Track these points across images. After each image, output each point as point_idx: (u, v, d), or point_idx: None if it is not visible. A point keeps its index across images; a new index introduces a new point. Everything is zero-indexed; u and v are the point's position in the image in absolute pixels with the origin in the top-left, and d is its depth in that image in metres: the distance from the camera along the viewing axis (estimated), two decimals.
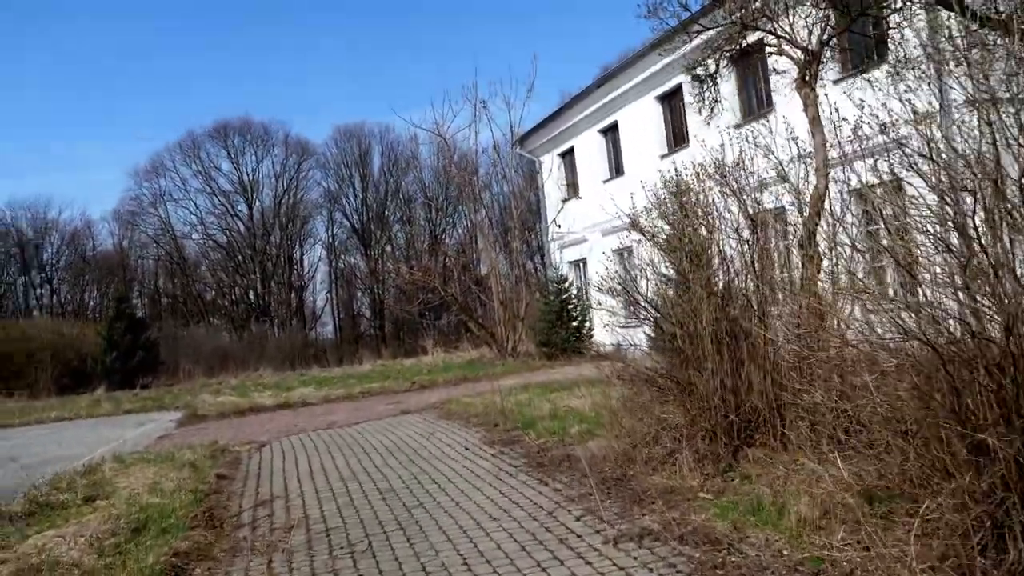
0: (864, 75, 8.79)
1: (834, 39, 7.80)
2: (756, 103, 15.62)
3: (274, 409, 13.72)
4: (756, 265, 6.82)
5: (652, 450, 6.60)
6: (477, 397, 11.78)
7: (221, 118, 57.69)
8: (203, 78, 73.78)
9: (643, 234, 8.17)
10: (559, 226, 22.46)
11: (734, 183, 7.08)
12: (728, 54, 8.49)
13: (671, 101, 17.97)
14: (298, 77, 75.10)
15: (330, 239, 52.83)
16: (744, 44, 8.11)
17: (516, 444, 7.92)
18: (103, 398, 19.52)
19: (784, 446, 6.40)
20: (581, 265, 21.94)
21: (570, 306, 18.60)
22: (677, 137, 17.80)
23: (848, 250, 6.61)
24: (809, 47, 7.17)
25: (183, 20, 73.38)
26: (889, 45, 8.35)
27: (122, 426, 12.48)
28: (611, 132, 20.31)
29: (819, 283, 6.86)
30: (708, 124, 10.28)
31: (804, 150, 7.22)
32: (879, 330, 5.00)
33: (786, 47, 7.39)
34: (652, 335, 14.18)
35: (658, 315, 7.14)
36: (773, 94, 15.20)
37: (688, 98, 16.84)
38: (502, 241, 22.51)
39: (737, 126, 15.58)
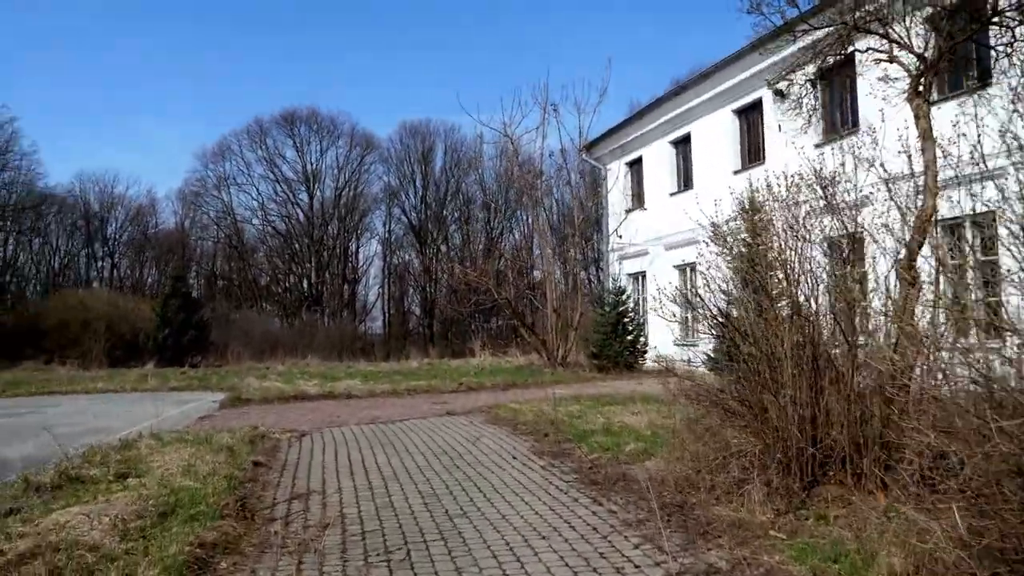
0: (977, 92, 8.14)
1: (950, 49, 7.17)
2: (841, 121, 14.87)
3: (318, 398, 13.53)
4: (849, 286, 6.26)
5: (717, 478, 6.09)
6: (526, 404, 11.37)
7: (289, 106, 58.69)
8: (273, 66, 75.29)
9: (724, 244, 7.63)
10: (620, 236, 21.94)
11: (831, 196, 6.54)
12: (832, 58, 7.90)
13: (749, 115, 17.34)
14: (369, 70, 75.96)
15: (387, 234, 53.22)
16: (849, 49, 7.52)
17: (567, 457, 7.47)
18: (151, 374, 19.71)
19: (860, 485, 5.85)
20: (640, 278, 21.36)
21: (626, 319, 18.05)
22: (752, 153, 17.16)
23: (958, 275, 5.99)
24: (925, 55, 6.56)
25: (260, 9, 75.15)
26: (996, 63, 7.71)
27: (165, 403, 12.43)
28: (682, 144, 19.74)
29: (917, 310, 6.28)
30: (805, 132, 9.69)
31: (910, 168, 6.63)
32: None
33: (899, 53, 6.78)
34: (713, 355, 13.53)
35: (734, 332, 6.59)
36: (860, 111, 14.49)
37: (768, 112, 16.20)
38: (560, 248, 22.04)
39: (818, 145, 14.88)
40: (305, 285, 52.93)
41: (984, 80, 10.48)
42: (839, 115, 15.05)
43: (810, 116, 9.20)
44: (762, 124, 16.70)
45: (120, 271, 50.69)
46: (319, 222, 52.30)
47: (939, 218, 6.71)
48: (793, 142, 15.66)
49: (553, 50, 72.06)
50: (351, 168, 52.54)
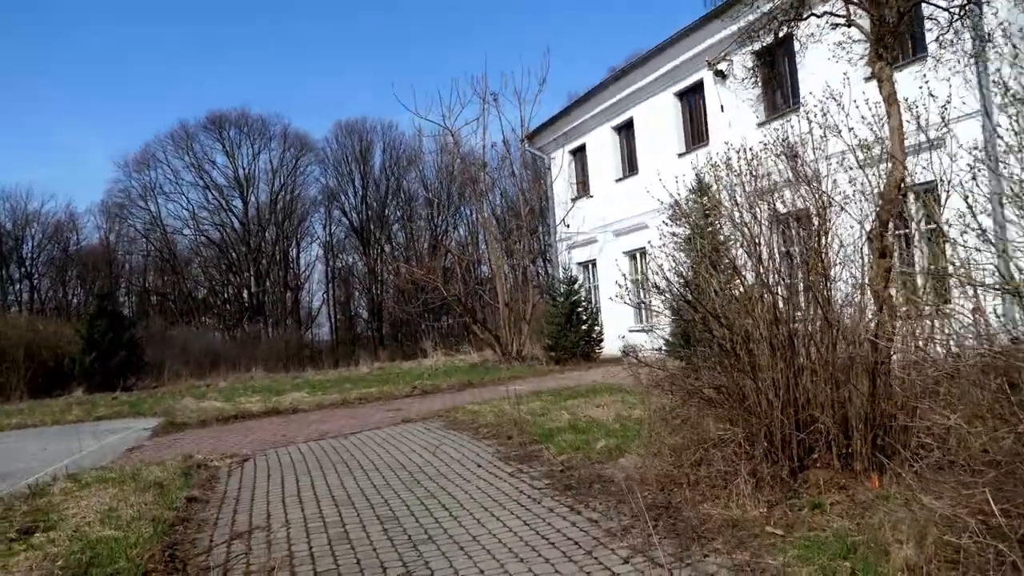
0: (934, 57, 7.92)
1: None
2: (783, 99, 14.70)
3: (262, 416, 12.76)
4: (822, 258, 5.91)
5: (700, 472, 5.69)
6: (485, 404, 10.85)
7: (216, 109, 56.84)
8: (198, 67, 72.72)
9: (686, 222, 7.25)
10: (567, 226, 21.57)
11: (797, 165, 6.18)
12: (785, 28, 7.58)
13: (690, 97, 17.11)
14: (298, 68, 74.05)
15: (328, 237, 51.98)
16: (805, 15, 7.19)
17: (535, 461, 6.99)
18: (76, 403, 18.54)
19: (850, 468, 5.52)
20: (590, 267, 21.05)
21: (580, 308, 17.67)
22: (696, 135, 16.93)
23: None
24: (886, 16, 6.26)
25: (180, 7, 72.57)
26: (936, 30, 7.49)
27: (90, 435, 11.50)
28: (625, 129, 19.44)
29: (890, 281, 5.99)
30: (772, 101, 9.33)
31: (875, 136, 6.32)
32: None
33: (858, 17, 6.48)
34: (671, 339, 13.18)
35: (704, 314, 6.18)
36: (802, 88, 14.36)
37: (710, 94, 15.98)
38: (507, 241, 21.56)
39: (761, 124, 14.71)
40: (245, 295, 51.34)
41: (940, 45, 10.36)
42: (779, 94, 14.88)
43: (772, 85, 8.81)
44: (704, 106, 16.48)
45: (41, 294, 48.33)
46: (255, 229, 50.77)
47: (910, 184, 6.45)
48: (735, 122, 15.50)
49: (490, 41, 71.52)
50: (286, 171, 51.22)
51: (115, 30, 71.28)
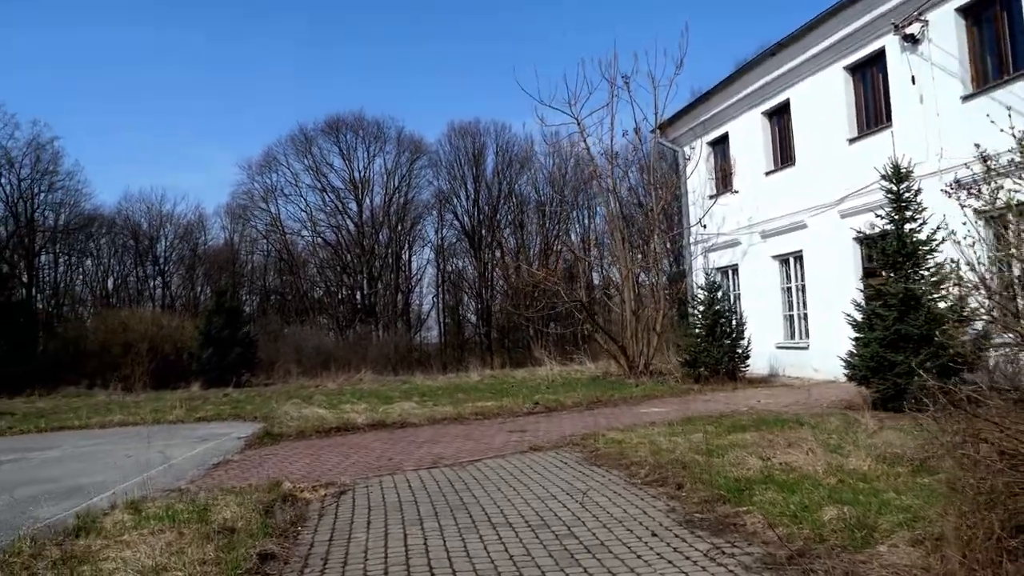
0: None
1: None
2: (998, 66, 11.88)
3: (367, 429, 11.16)
4: None
5: None
6: (630, 433, 8.78)
7: (333, 113, 57.31)
8: (316, 72, 74.01)
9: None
10: (704, 227, 19.17)
11: None
12: None
13: (866, 71, 14.42)
14: (413, 70, 74.13)
15: (439, 241, 51.14)
16: None
17: (733, 532, 4.88)
18: (188, 397, 17.73)
19: None
20: (730, 273, 18.54)
21: (723, 319, 15.28)
22: (874, 116, 14.21)
23: None
24: None
25: (297, 12, 74.22)
26: None
27: (183, 440, 10.21)
28: (779, 114, 16.89)
29: None
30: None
31: None
32: None
33: None
34: (856, 360, 10.63)
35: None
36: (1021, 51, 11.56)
37: (894, 64, 13.30)
38: (636, 242, 19.37)
39: (967, 97, 11.97)
40: (358, 297, 51.17)
41: None
42: (991, 60, 12.07)
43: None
44: (884, 80, 13.80)
45: (171, 290, 49.68)
46: (369, 231, 50.54)
47: None
48: (929, 96, 12.75)
49: (619, 26, 68.63)
50: (400, 174, 50.73)
51: (240, 37, 73.73)
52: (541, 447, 8.63)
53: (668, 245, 19.88)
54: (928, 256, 10.33)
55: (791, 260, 16.31)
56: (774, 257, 16.71)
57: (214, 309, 31.00)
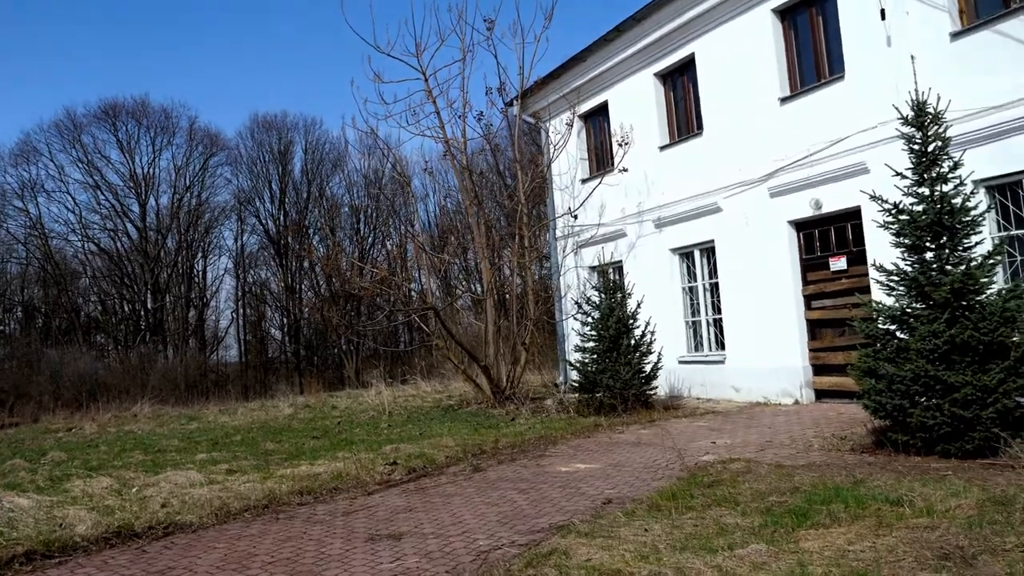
0: None
1: None
2: None
3: (94, 548, 5.69)
4: None
5: None
6: (609, 542, 4.30)
7: (109, 97, 47.81)
8: (88, 47, 61.84)
9: None
10: (575, 217, 15.18)
11: None
12: None
13: (801, 14, 10.98)
14: (208, 53, 64.21)
15: (239, 248, 43.70)
16: None
17: None
18: None
19: None
20: (612, 271, 14.61)
21: (629, 330, 11.26)
22: (814, 69, 10.78)
23: None
24: None
25: None
26: None
27: None
28: (677, 74, 13.21)
29: None
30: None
31: None
32: None
33: None
34: (878, 386, 6.19)
35: None
36: None
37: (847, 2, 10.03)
38: (494, 236, 14.96)
39: (958, 34, 8.84)
40: (142, 313, 42.31)
41: None
42: None
43: None
44: (826, 24, 10.52)
45: None
46: (155, 236, 42.00)
47: None
48: (902, 34, 9.36)
49: None
50: (192, 171, 42.69)
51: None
52: None
53: (538, 239, 15.60)
54: (969, 230, 6.88)
55: (696, 253, 12.68)
56: (673, 250, 13.02)
57: None
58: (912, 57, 8.31)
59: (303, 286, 42.93)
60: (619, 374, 10.77)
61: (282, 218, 42.71)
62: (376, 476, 7.72)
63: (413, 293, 18.27)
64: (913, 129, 6.63)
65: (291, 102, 73.24)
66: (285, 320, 43.26)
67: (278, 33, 64.99)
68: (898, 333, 6.62)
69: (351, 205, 42.40)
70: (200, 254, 43.71)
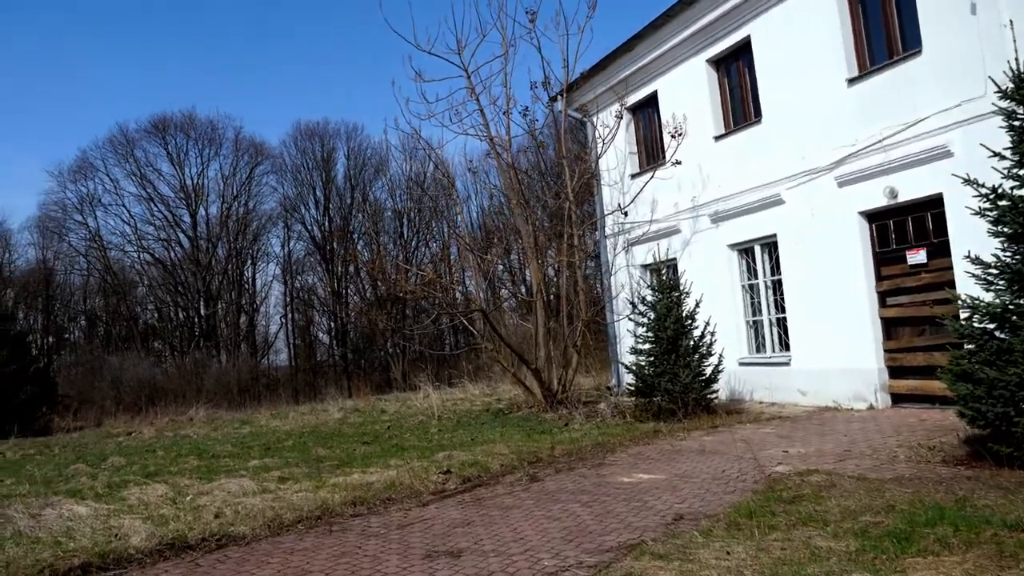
0: None
1: None
2: None
3: (148, 561, 5.48)
4: None
5: None
6: (686, 564, 3.85)
7: (159, 112, 48.85)
8: (138, 66, 63.48)
9: None
10: (625, 214, 14.69)
11: None
12: None
13: None
14: (251, 64, 65.25)
15: (286, 255, 44.15)
16: None
17: None
18: None
19: None
20: (666, 270, 14.03)
21: (688, 330, 10.74)
22: (885, 46, 10.05)
23: None
24: None
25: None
26: None
27: None
28: (732, 59, 12.61)
29: None
30: None
31: None
32: None
33: None
34: (975, 391, 5.28)
35: None
36: None
37: None
38: (542, 236, 14.55)
39: None
40: (195, 320, 43.06)
41: None
42: None
43: None
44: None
45: None
46: (205, 245, 42.71)
47: None
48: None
49: None
50: (239, 180, 43.33)
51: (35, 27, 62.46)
52: None
53: (588, 237, 15.16)
54: None
55: (757, 248, 12.09)
56: (732, 246, 12.44)
57: None
58: (1010, 22, 7.58)
59: (349, 290, 43.15)
60: (678, 377, 10.25)
61: (327, 224, 43.02)
62: (430, 485, 7.39)
63: (459, 295, 18.01)
64: (1014, 104, 6.01)
65: (333, 110, 74.37)
66: (332, 324, 43.58)
67: (320, 40, 65.74)
68: (997, 332, 6.00)
69: (394, 209, 42.45)
70: (249, 261, 44.35)
